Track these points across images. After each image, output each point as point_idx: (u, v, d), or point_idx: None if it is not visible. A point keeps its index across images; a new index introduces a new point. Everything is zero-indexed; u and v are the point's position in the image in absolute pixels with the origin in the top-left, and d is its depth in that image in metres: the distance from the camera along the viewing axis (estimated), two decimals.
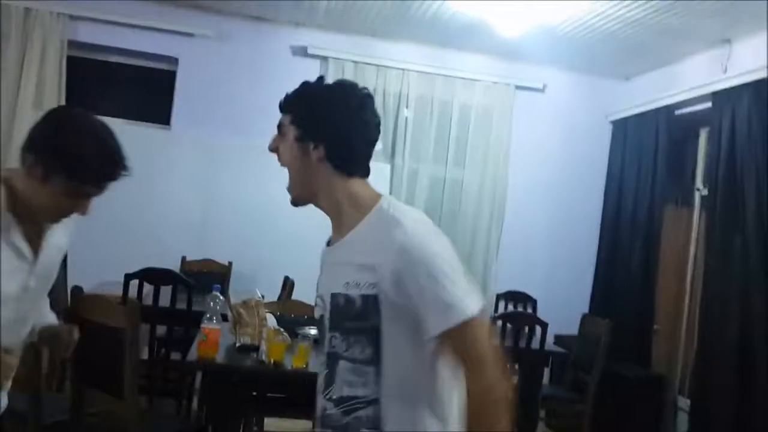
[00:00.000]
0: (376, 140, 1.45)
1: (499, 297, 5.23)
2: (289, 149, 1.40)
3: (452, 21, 4.80)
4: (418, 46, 5.37)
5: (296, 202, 1.46)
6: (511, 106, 5.55)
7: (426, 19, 4.82)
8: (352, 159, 1.41)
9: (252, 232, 4.89)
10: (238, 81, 5.12)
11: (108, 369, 2.50)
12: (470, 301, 1.30)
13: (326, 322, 1.42)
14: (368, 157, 1.44)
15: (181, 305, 3.49)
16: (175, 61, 5.16)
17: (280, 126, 1.44)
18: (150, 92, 5.43)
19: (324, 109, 1.39)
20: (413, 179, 5.47)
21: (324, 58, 5.20)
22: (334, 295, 1.38)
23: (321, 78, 1.48)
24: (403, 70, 5.38)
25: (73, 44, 4.94)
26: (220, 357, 2.70)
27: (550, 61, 5.44)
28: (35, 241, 1.62)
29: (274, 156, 1.45)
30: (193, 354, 2.69)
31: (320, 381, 1.44)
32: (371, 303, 1.32)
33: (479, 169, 5.53)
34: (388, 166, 5.34)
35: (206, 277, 4.31)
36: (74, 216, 1.64)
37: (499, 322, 3.89)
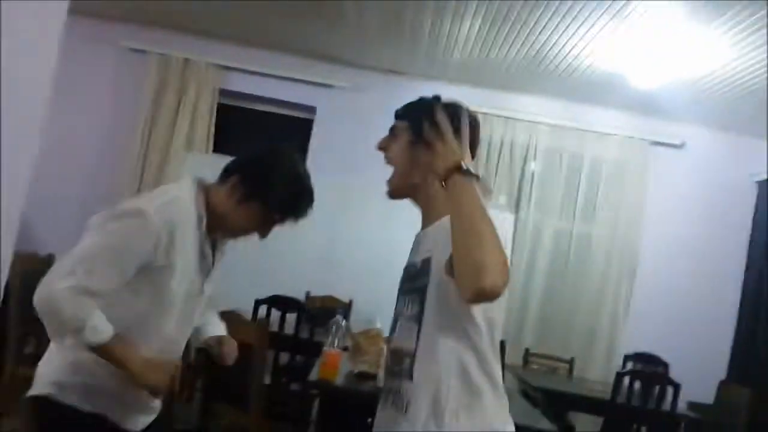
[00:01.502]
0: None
1: (627, 358, 4.94)
2: (401, 149, 1.54)
3: (585, 74, 4.77)
4: (549, 98, 5.37)
5: (393, 195, 1.58)
6: (646, 161, 5.38)
7: (558, 73, 4.83)
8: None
9: (373, 272, 4.97)
10: (369, 129, 5.24)
11: (235, 383, 2.62)
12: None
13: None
14: None
15: (304, 336, 3.60)
16: (313, 109, 5.47)
17: (393, 129, 1.57)
18: (288, 138, 5.76)
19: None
20: (538, 232, 5.38)
21: None
22: (407, 266, 1.54)
23: (438, 96, 1.57)
24: (531, 122, 5.38)
25: (223, 92, 5.38)
26: (338, 382, 2.74)
27: (689, 116, 5.25)
28: (213, 254, 1.79)
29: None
30: (313, 375, 2.76)
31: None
32: (425, 265, 1.43)
33: (610, 225, 5.36)
34: (512, 217, 5.28)
35: (328, 313, 4.41)
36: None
37: (627, 380, 3.68)
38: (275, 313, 3.73)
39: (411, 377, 1.39)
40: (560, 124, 5.38)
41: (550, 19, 3.96)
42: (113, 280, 1.58)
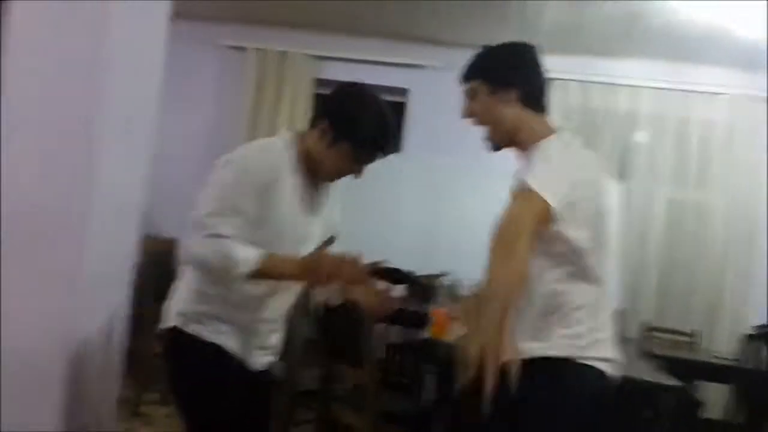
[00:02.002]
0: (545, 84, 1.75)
1: (752, 338, 4.59)
2: (484, 105, 1.68)
3: (685, 31, 4.52)
4: (649, 61, 5.12)
5: (497, 148, 1.73)
6: (761, 120, 5.02)
7: (655, 32, 4.60)
8: (536, 96, 1.71)
9: (475, 250, 4.91)
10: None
11: (348, 339, 2.66)
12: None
13: None
14: (545, 96, 1.76)
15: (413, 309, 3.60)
16: (405, 91, 5.48)
17: (468, 92, 1.72)
18: None
19: (511, 60, 1.73)
20: (649, 202, 5.14)
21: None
22: None
23: (487, 46, 1.78)
24: (633, 87, 5.16)
25: (319, 81, 5.49)
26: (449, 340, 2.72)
27: None
28: (314, 197, 1.85)
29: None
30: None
31: None
32: None
33: (726, 191, 5.04)
34: (619, 187, 5.08)
35: (432, 290, 4.40)
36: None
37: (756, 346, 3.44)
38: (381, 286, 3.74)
39: None
40: (663, 86, 5.11)
41: None
42: (236, 221, 1.67)
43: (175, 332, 1.78)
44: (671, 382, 2.70)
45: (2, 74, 2.37)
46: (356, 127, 1.75)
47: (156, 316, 1.87)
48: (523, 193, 1.49)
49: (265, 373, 1.91)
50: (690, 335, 4.64)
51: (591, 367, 1.57)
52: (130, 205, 2.65)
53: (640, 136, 5.18)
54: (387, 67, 5.43)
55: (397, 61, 5.41)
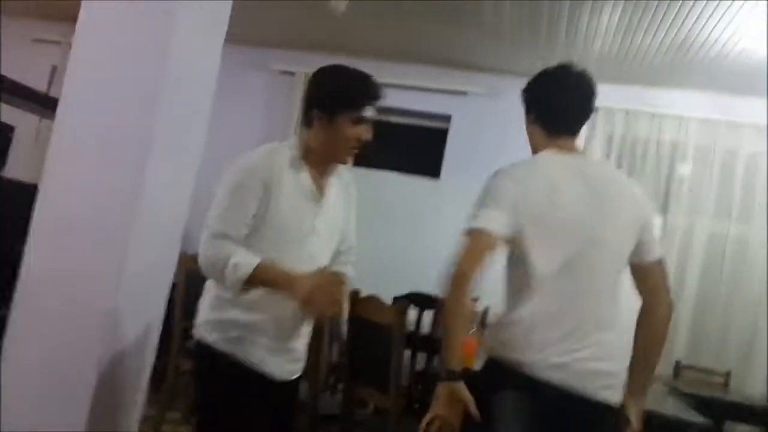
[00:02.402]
0: (579, 106, 1.84)
1: None
2: (527, 129, 1.90)
3: (736, 63, 4.47)
4: (698, 91, 5.06)
5: None
6: None
7: (706, 62, 4.55)
8: (554, 118, 1.83)
9: None
10: (506, 134, 5.29)
11: (376, 363, 2.72)
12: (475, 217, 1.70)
13: None
14: (566, 118, 1.84)
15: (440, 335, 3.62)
16: (448, 118, 5.54)
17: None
18: (423, 147, 5.87)
19: (534, 83, 1.90)
20: (689, 235, 5.05)
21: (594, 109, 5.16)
22: None
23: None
24: (680, 118, 5.10)
25: None
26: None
27: None
28: (321, 186, 1.92)
29: None
30: None
31: None
32: None
33: None
34: (660, 220, 5.01)
35: None
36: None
37: None
38: (412, 313, 3.79)
39: None
40: (711, 118, 5.04)
41: (694, 3, 3.77)
42: (240, 222, 1.78)
43: (199, 345, 1.86)
44: (700, 420, 2.67)
45: (63, 87, 2.51)
46: (336, 94, 1.85)
47: (184, 334, 1.94)
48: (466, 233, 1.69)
49: (288, 385, 1.93)
50: (722, 375, 4.53)
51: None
52: (174, 221, 2.73)
53: (685, 168, 5.10)
54: (430, 93, 5.51)
55: (440, 87, 5.48)
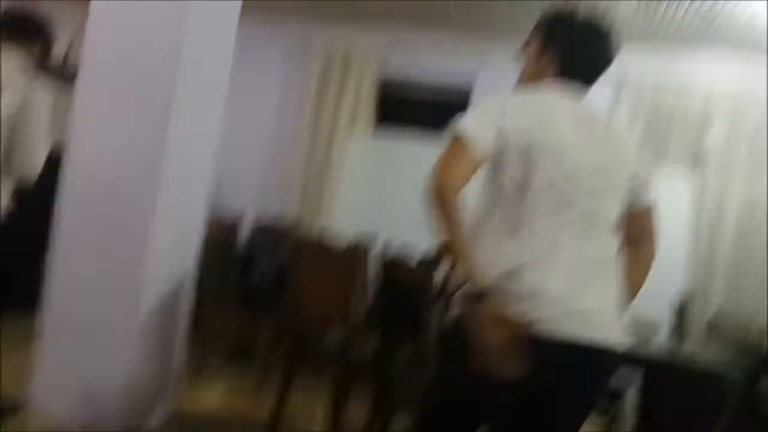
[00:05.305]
0: (603, 60, 1.76)
1: None
2: (532, 52, 1.77)
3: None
4: (728, 51, 4.90)
5: (521, 84, 1.80)
6: None
7: (735, 19, 4.41)
8: (572, 63, 1.74)
9: None
10: None
11: (409, 314, 2.81)
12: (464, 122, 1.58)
13: None
14: (583, 64, 1.76)
15: None
16: (470, 87, 5.44)
17: (529, 37, 1.80)
18: (446, 116, 5.76)
19: (562, 28, 1.79)
20: (721, 201, 4.96)
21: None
22: None
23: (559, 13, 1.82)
24: (709, 80, 4.98)
25: (382, 76, 5.58)
26: None
27: None
28: None
29: None
30: None
31: None
32: None
33: None
34: (688, 186, 4.94)
35: None
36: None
37: None
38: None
39: None
40: (742, 80, 4.91)
41: None
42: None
43: None
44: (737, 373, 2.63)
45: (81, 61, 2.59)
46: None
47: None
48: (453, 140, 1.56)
49: None
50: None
51: None
52: (198, 186, 2.92)
53: (714, 129, 5.00)
54: (452, 62, 5.42)
55: (462, 56, 5.38)
